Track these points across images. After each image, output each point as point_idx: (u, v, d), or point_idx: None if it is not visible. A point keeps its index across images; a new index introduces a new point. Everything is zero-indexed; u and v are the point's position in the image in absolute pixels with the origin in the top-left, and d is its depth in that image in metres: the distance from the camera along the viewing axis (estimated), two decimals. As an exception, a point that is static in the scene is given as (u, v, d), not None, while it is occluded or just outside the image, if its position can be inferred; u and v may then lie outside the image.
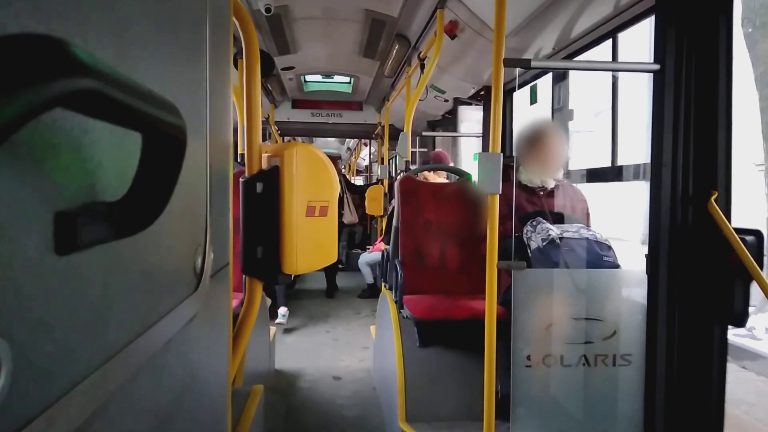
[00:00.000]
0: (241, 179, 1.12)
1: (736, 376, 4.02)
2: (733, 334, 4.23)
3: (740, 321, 1.58)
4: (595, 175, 2.65)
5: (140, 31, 0.57)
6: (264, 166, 1.14)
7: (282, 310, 4.68)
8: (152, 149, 0.44)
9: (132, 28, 0.54)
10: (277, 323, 4.53)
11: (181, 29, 0.73)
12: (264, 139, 5.82)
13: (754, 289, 1.53)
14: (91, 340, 0.46)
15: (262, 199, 1.10)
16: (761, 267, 1.50)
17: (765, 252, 1.56)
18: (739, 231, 1.54)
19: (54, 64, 0.28)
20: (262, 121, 5.74)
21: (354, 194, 6.88)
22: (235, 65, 2.94)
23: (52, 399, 0.38)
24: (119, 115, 0.37)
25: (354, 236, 7.36)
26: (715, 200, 1.59)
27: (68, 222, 0.40)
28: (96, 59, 0.32)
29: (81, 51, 0.30)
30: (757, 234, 1.54)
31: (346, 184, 6.42)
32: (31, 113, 0.26)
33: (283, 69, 5.10)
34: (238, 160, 3.10)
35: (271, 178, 1.09)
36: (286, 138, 7.02)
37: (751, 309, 1.60)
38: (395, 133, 4.65)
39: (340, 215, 6.37)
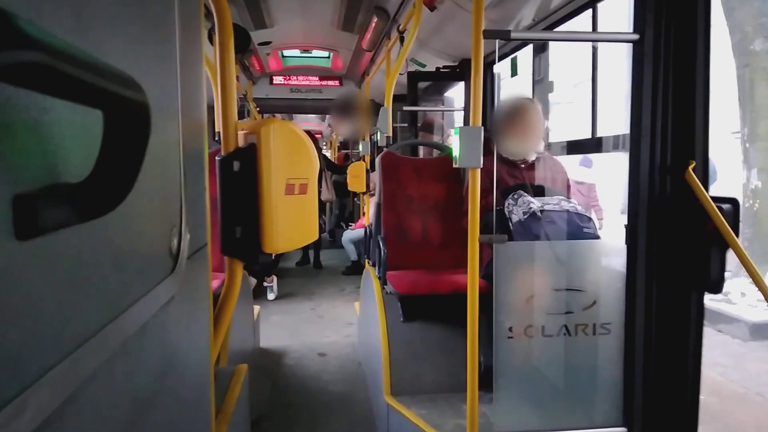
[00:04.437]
0: (216, 157, 1.09)
1: (712, 339, 4.15)
2: (710, 299, 4.33)
3: (717, 287, 1.62)
4: (575, 147, 2.65)
5: (102, 4, 0.54)
6: (240, 143, 1.12)
7: (269, 280, 4.93)
8: (114, 127, 0.42)
9: (93, 0, 0.51)
10: (267, 285, 4.92)
11: (148, 2, 0.70)
12: (242, 116, 5.72)
13: (730, 255, 1.56)
14: (61, 326, 0.45)
15: (240, 178, 1.07)
16: (737, 234, 1.53)
17: (740, 219, 1.58)
18: (715, 199, 1.56)
19: None
20: (240, 98, 5.63)
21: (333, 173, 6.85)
22: (211, 41, 2.87)
23: (21, 387, 0.37)
24: (72, 91, 0.35)
25: (324, 209, 7.56)
26: (693, 170, 1.60)
27: (28, 205, 0.38)
28: (44, 32, 0.30)
29: (26, 22, 0.28)
30: (733, 202, 1.57)
31: (326, 163, 6.36)
32: None
33: (259, 44, 4.99)
34: (216, 139, 3.05)
35: (248, 156, 1.07)
36: (266, 115, 6.92)
37: (726, 274, 1.63)
38: (376, 109, 4.60)
39: (319, 192, 6.48)
